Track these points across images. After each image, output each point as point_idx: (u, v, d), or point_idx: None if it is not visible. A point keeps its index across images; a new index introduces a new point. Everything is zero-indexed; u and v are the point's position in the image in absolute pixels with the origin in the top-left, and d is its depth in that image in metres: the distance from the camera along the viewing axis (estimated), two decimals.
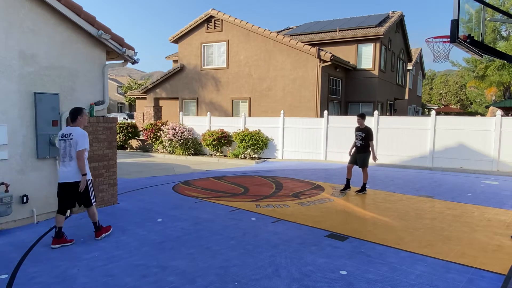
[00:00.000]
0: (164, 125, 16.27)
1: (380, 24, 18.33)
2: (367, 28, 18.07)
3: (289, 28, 23.27)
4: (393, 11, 20.61)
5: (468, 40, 4.92)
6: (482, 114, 36.42)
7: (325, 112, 13.85)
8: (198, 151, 15.95)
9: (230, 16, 16.95)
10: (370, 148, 8.18)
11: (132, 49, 6.89)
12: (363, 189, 8.27)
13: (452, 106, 48.29)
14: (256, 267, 4.11)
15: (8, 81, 5.32)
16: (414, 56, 28.98)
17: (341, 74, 17.68)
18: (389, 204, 7.17)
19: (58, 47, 5.94)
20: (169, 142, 15.79)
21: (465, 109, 49.38)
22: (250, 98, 16.80)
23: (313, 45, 16.72)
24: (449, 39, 5.08)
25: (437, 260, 4.35)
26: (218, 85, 17.69)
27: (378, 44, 17.46)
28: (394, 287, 3.65)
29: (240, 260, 4.31)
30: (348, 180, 8.47)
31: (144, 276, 3.87)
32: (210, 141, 14.73)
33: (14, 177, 5.41)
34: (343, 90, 18.21)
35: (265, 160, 14.32)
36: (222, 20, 17.23)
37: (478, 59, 26.28)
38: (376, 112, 13.26)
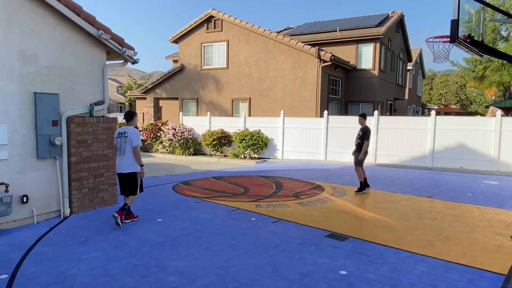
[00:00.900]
0: (164, 125, 16.27)
1: (380, 24, 18.32)
2: (367, 28, 18.07)
3: (289, 28, 23.26)
4: (393, 11, 20.60)
5: (468, 40, 4.92)
6: (482, 114, 36.43)
7: (325, 112, 13.85)
8: (198, 151, 15.95)
9: (230, 16, 16.95)
10: (363, 146, 8.25)
11: (132, 49, 6.89)
12: (361, 188, 8.35)
13: (452, 106, 48.28)
14: (256, 267, 4.11)
15: (8, 81, 5.32)
16: (414, 56, 28.98)
17: (341, 74, 17.68)
18: (389, 204, 7.17)
19: (58, 47, 5.95)
20: (169, 142, 15.79)
21: (465, 109, 49.37)
22: (250, 98, 16.80)
23: (313, 45, 16.73)
24: (449, 39, 5.08)
25: (437, 260, 4.36)
26: (218, 85, 17.69)
27: (378, 44, 17.46)
28: (394, 287, 3.65)
29: (240, 260, 4.31)
30: (364, 179, 8.45)
31: (144, 276, 3.87)
32: (210, 141, 14.73)
33: (14, 177, 5.41)
34: (343, 90, 18.21)
35: (265, 160, 14.32)
36: (222, 20, 17.23)
37: (478, 59, 26.28)
38: (376, 112, 13.26)
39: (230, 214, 6.37)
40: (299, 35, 19.67)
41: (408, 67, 27.17)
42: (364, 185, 8.45)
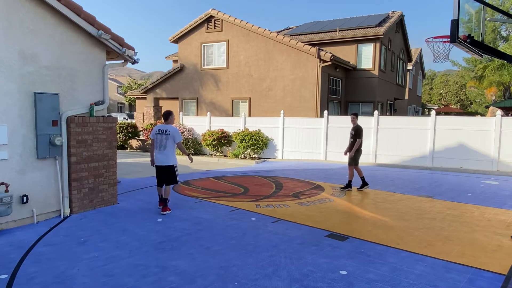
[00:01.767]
0: None
1: (380, 24, 18.33)
2: (367, 28, 18.07)
3: (289, 28, 23.26)
4: (393, 11, 20.61)
5: (468, 40, 4.92)
6: (482, 114, 36.42)
7: (325, 112, 13.85)
8: (198, 151, 15.95)
9: (230, 16, 16.94)
10: (354, 145, 8.34)
11: (132, 49, 6.89)
12: (348, 186, 8.50)
13: (452, 106, 48.25)
14: (256, 267, 4.11)
15: (8, 81, 5.32)
16: (414, 56, 28.97)
17: (341, 74, 17.68)
18: (389, 204, 7.17)
19: (58, 47, 5.94)
20: None
21: (465, 109, 49.37)
22: (250, 98, 16.80)
23: (313, 45, 16.72)
24: (449, 39, 5.09)
25: (437, 260, 4.36)
26: (218, 85, 17.69)
27: (378, 44, 17.46)
28: (394, 287, 3.65)
29: (240, 260, 4.31)
30: (362, 179, 8.63)
31: (144, 276, 3.87)
32: (210, 141, 14.73)
33: (14, 177, 5.41)
34: (343, 90, 18.21)
35: (265, 160, 14.32)
36: (222, 20, 17.23)
37: (478, 59, 26.28)
38: (376, 112, 13.27)
39: (230, 214, 6.37)
40: (299, 35, 19.67)
41: (408, 67, 27.17)
42: (364, 183, 8.56)
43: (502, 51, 6.79)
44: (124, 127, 17.28)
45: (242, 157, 14.54)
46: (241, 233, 5.33)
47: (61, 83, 6.02)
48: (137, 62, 7.16)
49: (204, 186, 8.94)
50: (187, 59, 18.40)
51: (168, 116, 6.52)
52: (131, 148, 18.06)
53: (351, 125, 8.67)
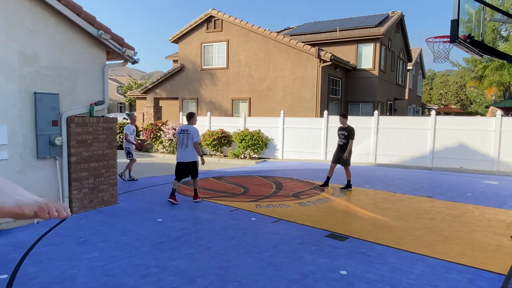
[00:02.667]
0: (164, 125, 16.27)
1: (380, 24, 18.32)
2: (367, 28, 18.07)
3: (289, 28, 23.26)
4: (393, 11, 20.60)
5: (468, 40, 4.92)
6: (482, 114, 36.41)
7: (325, 112, 13.85)
8: None
9: (230, 16, 16.94)
10: (348, 146, 8.35)
11: (132, 49, 6.89)
12: (348, 186, 8.49)
13: (452, 106, 48.24)
14: (256, 267, 4.11)
15: (8, 81, 5.32)
16: (414, 56, 28.97)
17: (341, 74, 17.68)
18: (389, 204, 7.17)
19: (58, 47, 5.95)
20: (169, 142, 15.78)
21: (465, 109, 49.35)
22: (250, 98, 16.80)
23: (313, 45, 16.72)
24: (449, 39, 5.09)
25: (437, 260, 4.36)
26: (218, 85, 17.69)
27: (378, 44, 17.46)
28: (394, 287, 3.65)
29: (240, 260, 4.31)
30: (328, 178, 8.75)
31: (144, 276, 3.87)
32: (210, 141, 14.72)
33: (14, 177, 5.41)
34: (343, 90, 18.21)
35: (265, 160, 14.32)
36: (222, 20, 17.23)
37: (477, 59, 26.27)
38: (376, 112, 13.27)
39: (230, 214, 6.37)
40: (299, 35, 19.67)
41: (408, 67, 27.17)
42: (326, 183, 8.72)
43: (502, 51, 6.79)
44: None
45: (242, 157, 14.54)
46: (241, 233, 5.33)
47: (61, 83, 6.02)
48: (137, 62, 7.16)
49: (204, 186, 8.93)
50: (187, 59, 18.40)
51: (190, 117, 7.16)
52: None
53: (351, 125, 8.67)
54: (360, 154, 13.24)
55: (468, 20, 5.43)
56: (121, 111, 45.33)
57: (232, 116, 17.06)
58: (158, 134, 16.21)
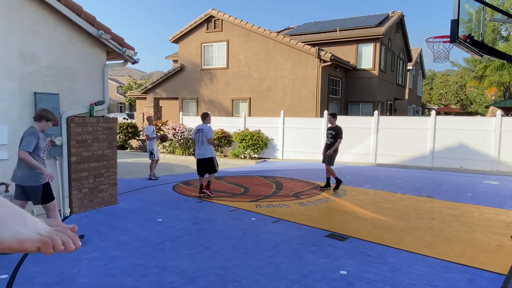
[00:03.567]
0: (164, 125, 16.27)
1: (380, 24, 18.32)
2: (367, 28, 18.06)
3: (289, 28, 23.26)
4: (393, 11, 20.60)
5: (468, 40, 4.92)
6: (482, 114, 36.40)
7: (325, 112, 13.83)
8: None
9: (230, 16, 16.94)
10: (335, 144, 8.36)
11: (132, 49, 6.88)
12: (337, 185, 8.45)
13: (452, 106, 48.23)
14: (256, 267, 4.11)
15: (8, 81, 5.32)
16: (414, 56, 28.96)
17: (341, 74, 17.68)
18: (389, 204, 7.17)
19: (58, 47, 5.94)
20: (169, 142, 15.78)
21: (465, 109, 49.34)
22: (250, 98, 16.80)
23: (313, 45, 16.72)
24: (449, 39, 5.09)
25: (437, 260, 4.35)
26: (218, 85, 17.69)
27: (378, 44, 17.46)
28: (394, 287, 3.65)
29: (240, 260, 4.31)
30: (328, 179, 8.71)
31: (144, 276, 3.87)
32: None
33: None
34: (343, 90, 18.21)
35: (265, 160, 14.31)
36: (222, 20, 17.22)
37: (477, 59, 26.27)
38: (376, 112, 13.26)
39: (230, 214, 6.37)
40: (299, 35, 19.67)
41: (408, 67, 27.17)
42: (328, 184, 8.66)
43: (502, 51, 6.78)
44: (124, 127, 17.28)
45: (242, 157, 14.54)
46: (241, 233, 5.32)
47: (61, 83, 6.02)
48: (137, 62, 7.16)
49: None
50: (187, 59, 18.40)
51: (205, 117, 7.75)
52: (131, 148, 18.06)
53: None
54: (360, 154, 13.24)
55: (468, 20, 5.43)
56: (121, 111, 45.33)
57: (232, 116, 17.06)
58: (158, 134, 16.19)
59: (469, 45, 5.01)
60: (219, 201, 7.29)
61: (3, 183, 5.19)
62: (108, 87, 6.83)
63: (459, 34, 4.77)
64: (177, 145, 15.64)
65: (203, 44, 17.87)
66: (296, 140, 14.30)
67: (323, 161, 8.68)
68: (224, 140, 14.76)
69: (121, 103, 47.63)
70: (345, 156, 13.25)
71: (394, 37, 20.27)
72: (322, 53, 14.86)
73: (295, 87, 15.69)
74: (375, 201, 7.49)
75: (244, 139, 14.10)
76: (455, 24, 4.72)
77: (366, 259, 4.37)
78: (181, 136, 15.40)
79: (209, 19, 17.58)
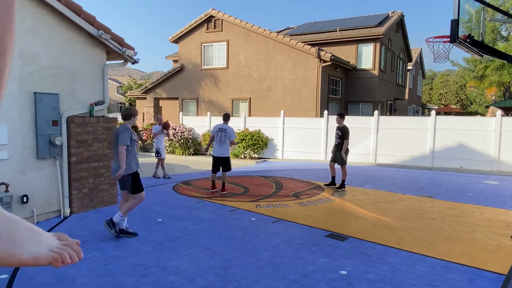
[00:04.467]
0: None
1: (380, 24, 18.32)
2: (367, 28, 18.06)
3: (289, 28, 23.26)
4: (393, 11, 20.60)
5: (468, 40, 4.92)
6: (482, 114, 36.39)
7: (325, 112, 13.85)
8: (198, 151, 15.94)
9: (230, 16, 16.94)
10: (343, 145, 8.39)
11: (132, 49, 6.89)
12: (342, 186, 8.50)
13: (452, 106, 48.21)
14: (256, 267, 4.10)
15: (8, 81, 5.31)
16: (414, 56, 28.96)
17: (341, 74, 17.68)
18: (389, 204, 7.17)
19: (58, 47, 5.94)
20: (169, 142, 15.78)
21: (465, 109, 49.32)
22: (250, 98, 16.80)
23: (313, 45, 16.72)
24: (449, 39, 5.09)
25: (437, 260, 4.35)
26: (218, 85, 17.69)
27: (378, 44, 17.45)
28: (394, 287, 3.65)
29: (240, 260, 4.31)
30: (333, 178, 8.76)
31: (144, 276, 3.87)
32: None
33: (14, 177, 5.41)
34: (343, 90, 18.20)
35: (265, 160, 14.31)
36: (222, 20, 17.22)
37: (478, 59, 26.27)
38: (376, 112, 13.26)
39: (230, 214, 6.37)
40: (299, 35, 19.66)
41: (408, 67, 27.16)
42: (332, 182, 8.71)
43: (502, 51, 6.78)
44: None
45: (242, 157, 14.54)
46: (241, 233, 5.32)
47: (61, 83, 6.02)
48: (137, 62, 7.16)
49: (204, 186, 8.93)
50: (187, 59, 18.39)
51: (227, 117, 8.11)
52: None
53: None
54: (360, 154, 13.24)
55: (468, 20, 5.43)
56: (121, 111, 45.28)
57: (232, 116, 17.04)
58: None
59: (469, 45, 5.01)
60: (219, 201, 7.29)
61: (3, 183, 5.19)
62: (108, 87, 6.84)
63: (459, 34, 4.77)
64: (177, 145, 15.63)
65: (203, 44, 17.86)
66: (296, 140, 14.30)
67: (331, 161, 8.70)
68: None
69: (121, 103, 47.61)
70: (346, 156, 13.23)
71: (394, 37, 20.27)
72: (322, 53, 14.86)
73: (295, 87, 15.69)
74: (375, 201, 7.49)
75: (244, 139, 14.10)
76: (455, 24, 4.72)
77: (366, 259, 4.37)
78: (181, 136, 15.39)
79: (209, 19, 17.58)
